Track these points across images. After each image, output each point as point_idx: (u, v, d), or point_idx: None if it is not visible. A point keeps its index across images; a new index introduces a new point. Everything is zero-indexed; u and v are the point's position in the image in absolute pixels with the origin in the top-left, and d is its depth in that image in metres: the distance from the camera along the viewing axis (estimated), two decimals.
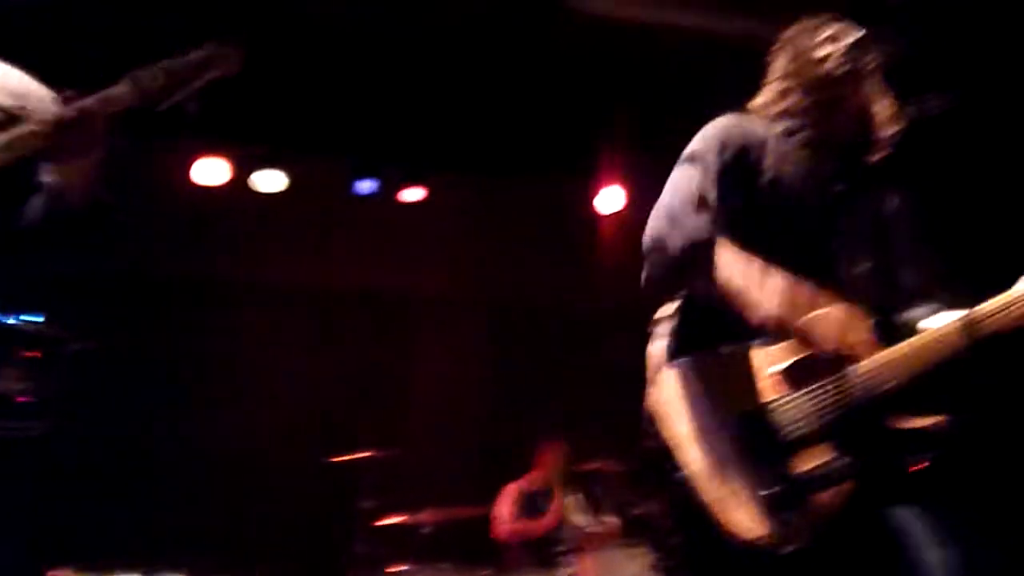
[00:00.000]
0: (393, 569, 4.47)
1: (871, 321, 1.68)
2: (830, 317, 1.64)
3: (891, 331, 1.71)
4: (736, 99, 2.13)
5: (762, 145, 1.91)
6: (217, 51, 1.90)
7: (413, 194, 6.34)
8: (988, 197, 4.38)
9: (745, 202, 1.84)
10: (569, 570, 4.56)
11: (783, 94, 1.98)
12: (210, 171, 5.72)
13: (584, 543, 4.78)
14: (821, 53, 1.94)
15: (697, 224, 1.75)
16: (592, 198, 6.59)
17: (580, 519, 5.12)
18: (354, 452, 4.69)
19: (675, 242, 1.74)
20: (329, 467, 4.88)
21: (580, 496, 5.14)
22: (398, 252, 6.55)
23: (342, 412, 5.92)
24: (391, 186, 6.31)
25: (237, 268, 6.20)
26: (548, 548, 4.86)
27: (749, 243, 1.80)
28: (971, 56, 4.19)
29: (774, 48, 2.08)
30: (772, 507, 1.54)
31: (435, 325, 6.60)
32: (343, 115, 5.74)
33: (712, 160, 1.86)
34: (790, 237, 1.78)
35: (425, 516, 4.56)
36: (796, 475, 1.57)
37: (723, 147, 1.88)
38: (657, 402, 1.71)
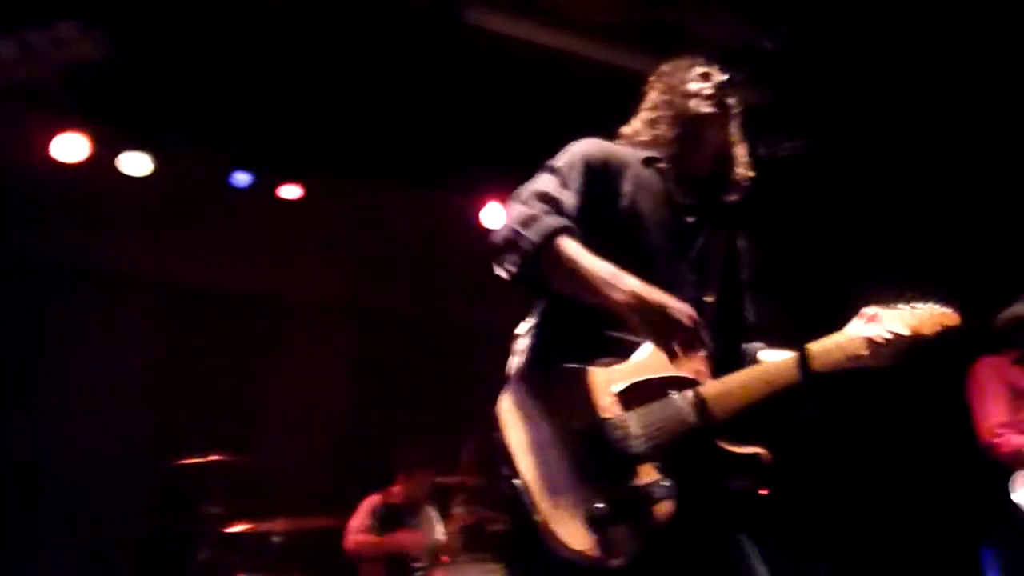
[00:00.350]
0: None
1: (706, 351, 1.77)
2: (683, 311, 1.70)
3: (729, 361, 1.81)
4: (617, 126, 2.21)
5: (623, 170, 1.98)
6: (79, 31, 1.77)
7: (291, 191, 6.17)
8: (824, 242, 4.75)
9: (600, 222, 1.89)
10: None
11: (652, 123, 2.08)
12: (70, 147, 5.34)
13: (440, 557, 4.74)
14: (692, 88, 2.04)
15: (552, 221, 1.78)
16: (472, 213, 6.63)
17: (438, 533, 5.08)
18: (203, 455, 4.46)
19: (531, 237, 1.76)
20: (176, 470, 4.62)
21: (438, 510, 5.11)
22: (269, 250, 6.33)
23: (194, 413, 5.64)
24: (268, 182, 6.11)
25: (93, 253, 5.82)
26: (404, 562, 4.79)
27: (601, 252, 1.83)
28: (825, 107, 4.55)
29: (650, 80, 2.16)
30: (596, 522, 1.57)
31: (302, 328, 6.40)
32: (225, 104, 5.54)
33: (574, 176, 1.92)
34: (639, 262, 1.82)
35: (277, 525, 4.39)
36: (622, 492, 1.60)
37: (585, 165, 1.94)
38: (501, 413, 1.71)
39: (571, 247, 1.75)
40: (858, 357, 1.83)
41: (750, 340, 2.01)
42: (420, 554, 4.76)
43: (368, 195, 6.68)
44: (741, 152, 2.06)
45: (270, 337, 6.24)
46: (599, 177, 1.94)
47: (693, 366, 1.73)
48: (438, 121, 5.94)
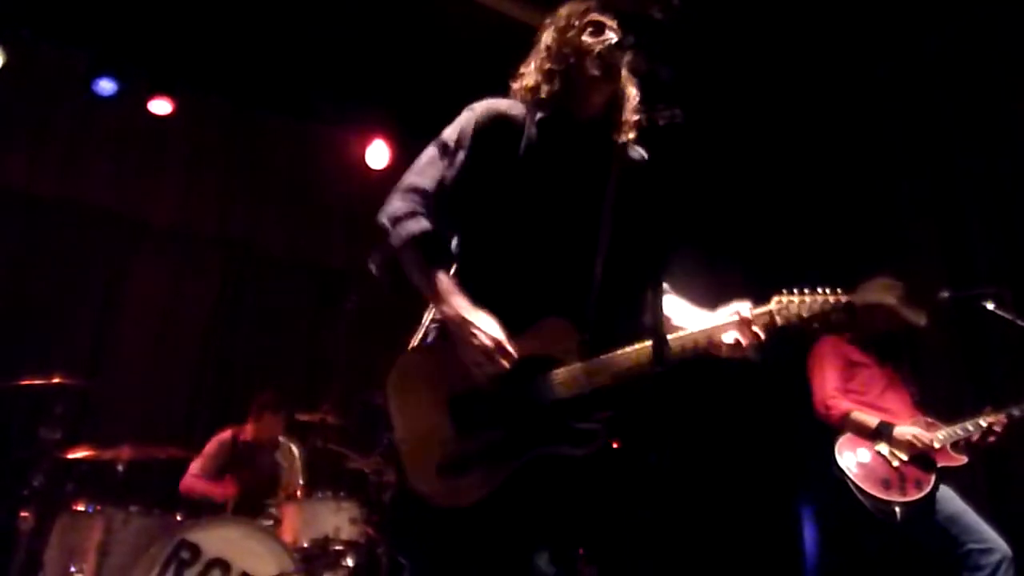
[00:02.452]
0: (77, 507, 4.09)
1: (579, 334, 1.90)
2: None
3: (620, 326, 1.90)
4: (510, 69, 2.20)
5: (518, 132, 2.02)
6: None
7: (160, 106, 5.79)
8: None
9: (491, 186, 1.97)
10: (270, 521, 4.46)
11: (546, 75, 2.09)
12: None
13: (293, 493, 4.71)
14: (585, 43, 2.06)
15: (412, 226, 1.90)
16: (356, 150, 6.48)
17: (292, 471, 5.04)
18: (45, 377, 4.19)
19: (392, 240, 1.91)
20: (13, 391, 4.32)
21: (296, 446, 5.05)
22: (132, 167, 5.94)
23: (36, 332, 5.28)
24: (137, 93, 5.71)
25: None
26: (255, 496, 4.72)
27: (492, 225, 1.97)
28: (706, 80, 4.73)
29: (544, 24, 2.17)
30: (445, 471, 1.82)
31: (163, 253, 6.08)
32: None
33: (460, 149, 1.99)
34: (529, 225, 1.95)
35: (121, 453, 4.20)
36: (473, 450, 1.83)
37: (474, 135, 2.01)
38: (389, 382, 1.93)
39: (424, 257, 1.90)
40: (717, 347, 1.90)
41: (657, 298, 2.08)
42: (271, 488, 4.71)
43: (246, 120, 6.38)
44: (631, 93, 2.11)
45: (127, 259, 5.90)
46: (489, 144, 2.00)
47: (565, 345, 1.89)
48: (327, 51, 5.73)
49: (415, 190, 1.97)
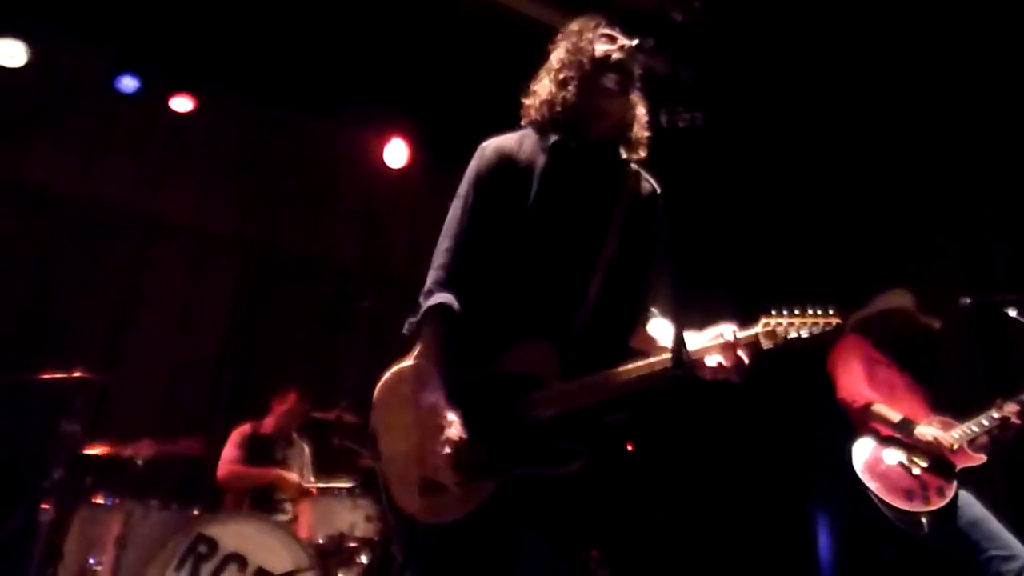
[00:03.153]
0: (97, 500, 4.14)
1: (561, 355, 1.91)
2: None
3: (587, 363, 1.92)
4: (526, 79, 2.21)
5: (528, 169, 2.05)
6: None
7: (182, 104, 5.84)
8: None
9: (506, 223, 2.01)
10: (287, 516, 4.49)
11: (559, 86, 2.10)
12: None
13: (308, 490, 4.74)
14: (599, 53, 2.07)
15: (433, 300, 1.97)
16: (375, 149, 6.50)
17: (307, 467, 5.07)
18: (66, 371, 4.24)
19: (420, 312, 1.98)
20: (35, 385, 4.37)
21: (311, 444, 5.08)
22: (153, 164, 6.00)
23: (58, 327, 5.34)
24: (158, 90, 5.76)
25: None
26: (269, 494, 4.75)
27: (497, 246, 2.00)
28: (725, 83, 4.72)
29: (556, 38, 2.18)
30: (426, 489, 1.86)
31: (182, 251, 6.13)
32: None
33: (472, 201, 2.05)
34: (538, 243, 1.99)
35: (140, 448, 4.24)
36: (452, 467, 1.83)
37: (480, 185, 2.06)
38: (375, 397, 1.99)
39: (432, 330, 1.97)
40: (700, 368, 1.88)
41: (645, 316, 2.10)
42: (289, 487, 4.74)
43: (265, 118, 6.42)
44: (641, 112, 2.13)
45: (146, 256, 5.95)
46: (500, 185, 2.04)
47: (547, 365, 1.91)
48: (347, 50, 5.75)
49: (441, 255, 2.03)
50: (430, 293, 1.99)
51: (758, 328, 1.89)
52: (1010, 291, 3.87)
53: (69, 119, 5.75)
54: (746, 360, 1.86)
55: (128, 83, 5.60)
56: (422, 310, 1.98)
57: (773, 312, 1.90)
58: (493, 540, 1.84)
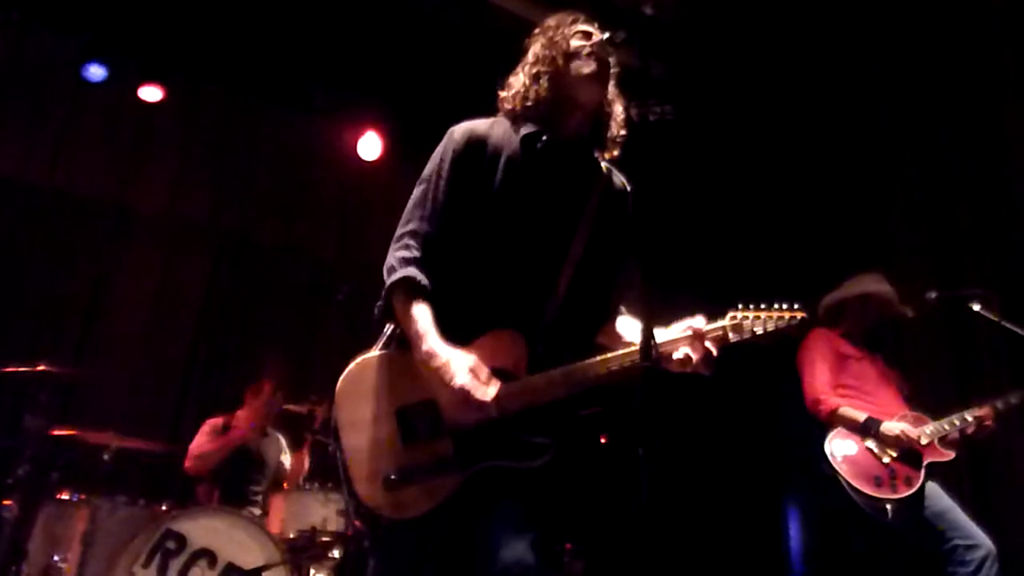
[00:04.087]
0: (62, 496, 4.07)
1: (529, 348, 1.91)
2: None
3: (554, 357, 1.92)
4: (501, 74, 2.20)
5: (497, 154, 2.04)
6: None
7: (151, 93, 5.75)
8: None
9: (473, 209, 2.00)
10: (258, 510, 4.45)
11: (533, 79, 2.10)
12: None
13: (281, 483, 4.70)
14: (574, 47, 2.06)
15: (401, 273, 1.95)
16: (349, 141, 6.45)
17: (282, 459, 5.03)
18: (30, 364, 4.16)
19: (389, 284, 1.96)
20: None
21: (284, 437, 5.04)
22: (122, 155, 5.90)
23: (22, 319, 5.25)
24: (127, 79, 5.66)
25: None
26: (242, 485, 4.71)
27: (465, 236, 1.99)
28: (698, 76, 4.74)
29: (533, 33, 2.17)
30: (390, 485, 1.84)
31: (153, 243, 6.04)
32: None
33: (439, 183, 2.04)
34: (506, 235, 1.98)
35: (106, 443, 4.18)
36: (420, 462, 1.85)
37: (451, 166, 2.04)
38: (338, 392, 1.95)
39: (405, 301, 1.94)
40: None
41: (614, 314, 2.11)
42: (258, 478, 4.70)
43: (237, 108, 6.34)
44: (618, 110, 2.13)
45: (117, 247, 5.85)
46: (467, 168, 2.03)
47: (515, 358, 1.90)
48: (320, 40, 5.69)
49: (405, 235, 2.01)
50: (394, 270, 1.97)
51: (725, 322, 1.92)
52: (975, 286, 3.93)
53: (37, 109, 5.64)
54: (714, 351, 1.88)
55: (96, 72, 5.49)
56: (389, 283, 1.95)
57: (740, 307, 1.93)
58: (458, 534, 1.84)
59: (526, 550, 1.77)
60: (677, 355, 1.87)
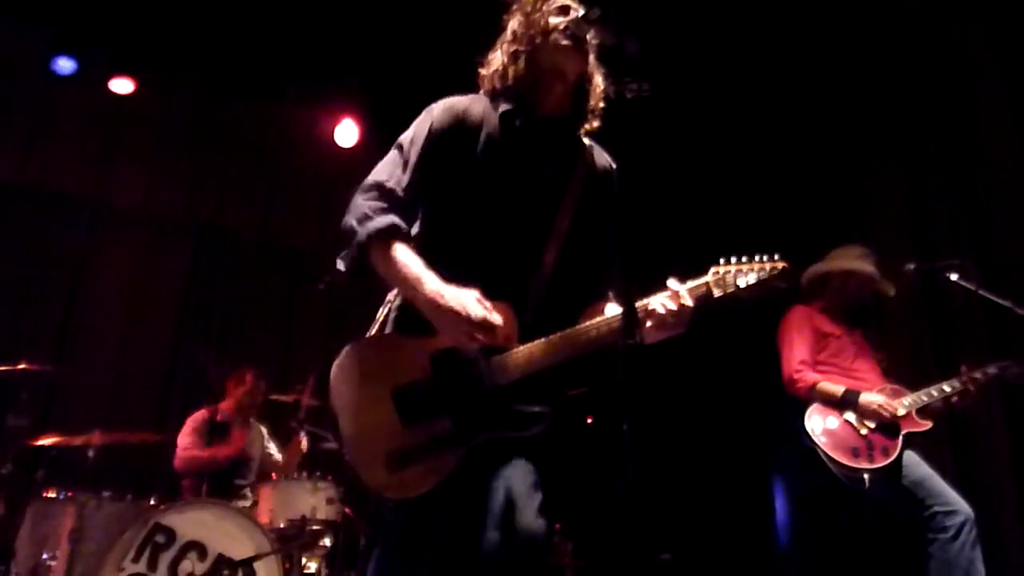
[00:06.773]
0: (48, 494, 4.04)
1: (519, 318, 1.89)
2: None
3: (567, 317, 1.91)
4: (479, 53, 2.19)
5: (477, 130, 2.02)
6: None
7: (122, 85, 5.67)
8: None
9: (450, 186, 1.98)
10: (246, 501, 4.45)
11: (512, 57, 2.08)
12: None
13: (268, 474, 4.70)
14: (552, 23, 2.05)
15: (380, 221, 1.89)
16: (325, 129, 6.40)
17: (267, 450, 5.03)
18: (11, 364, 4.12)
19: (360, 236, 1.88)
20: None
21: (268, 427, 5.04)
22: (95, 149, 5.83)
23: (2, 319, 5.19)
24: (97, 72, 5.58)
25: None
26: (229, 478, 4.70)
27: (447, 214, 1.97)
28: (674, 52, 4.73)
29: (511, 10, 2.15)
30: (391, 464, 1.83)
31: (130, 237, 5.99)
32: None
33: (414, 151, 2.00)
34: (486, 224, 1.96)
35: (91, 439, 4.15)
36: (421, 441, 1.84)
37: (429, 137, 2.01)
38: (332, 378, 1.92)
39: (392, 249, 1.87)
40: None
41: (603, 293, 2.09)
42: (245, 470, 4.69)
43: (211, 98, 6.27)
44: (597, 81, 2.12)
45: (94, 242, 5.80)
46: (446, 143, 2.00)
47: (504, 333, 1.87)
48: (294, 28, 5.63)
49: (377, 187, 1.96)
50: (368, 218, 1.89)
51: (708, 277, 1.91)
52: (952, 257, 3.97)
53: (6, 105, 5.55)
54: (690, 303, 1.85)
55: (64, 65, 5.41)
56: (370, 230, 1.87)
57: (721, 261, 1.92)
58: (462, 507, 1.83)
59: (535, 516, 1.78)
60: (654, 307, 1.84)
